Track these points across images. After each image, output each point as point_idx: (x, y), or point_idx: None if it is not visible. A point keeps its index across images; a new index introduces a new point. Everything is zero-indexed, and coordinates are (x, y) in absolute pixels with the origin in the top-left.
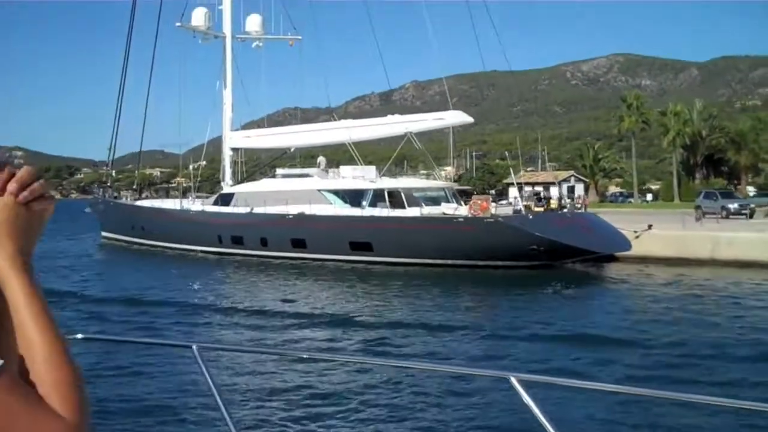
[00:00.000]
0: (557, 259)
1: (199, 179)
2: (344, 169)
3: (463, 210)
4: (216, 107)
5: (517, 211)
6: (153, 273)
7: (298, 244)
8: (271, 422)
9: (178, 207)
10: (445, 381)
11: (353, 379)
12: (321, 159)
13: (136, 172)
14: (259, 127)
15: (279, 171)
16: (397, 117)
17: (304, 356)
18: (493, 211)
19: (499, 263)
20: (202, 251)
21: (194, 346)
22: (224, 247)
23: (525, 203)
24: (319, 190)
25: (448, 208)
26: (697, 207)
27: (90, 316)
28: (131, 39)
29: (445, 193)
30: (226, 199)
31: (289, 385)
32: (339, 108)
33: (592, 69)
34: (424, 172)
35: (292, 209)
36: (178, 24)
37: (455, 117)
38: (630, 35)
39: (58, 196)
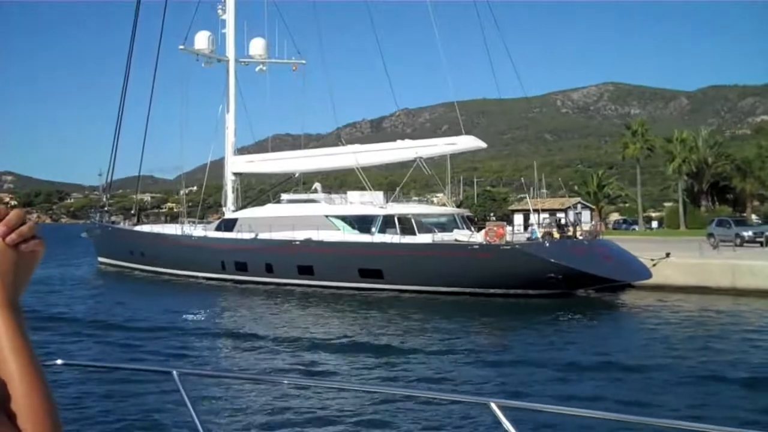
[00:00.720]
0: (575, 287)
1: (190, 204)
2: (352, 195)
3: (477, 237)
4: (218, 131)
5: (531, 238)
6: (151, 299)
7: (305, 271)
8: None
9: (179, 232)
10: (425, 406)
11: (335, 404)
12: (317, 185)
13: (135, 196)
14: (250, 153)
15: (284, 196)
16: (408, 142)
17: (285, 382)
18: (508, 237)
19: (516, 291)
20: (204, 278)
21: (174, 372)
22: (228, 274)
23: (545, 230)
24: (326, 216)
25: (461, 235)
26: (710, 234)
27: (81, 341)
28: (131, 63)
29: (456, 219)
30: (229, 225)
31: (270, 410)
32: (329, 135)
33: (582, 97)
34: (416, 198)
35: (299, 235)
36: (181, 47)
37: (467, 142)
38: (620, 64)
39: (48, 221)
